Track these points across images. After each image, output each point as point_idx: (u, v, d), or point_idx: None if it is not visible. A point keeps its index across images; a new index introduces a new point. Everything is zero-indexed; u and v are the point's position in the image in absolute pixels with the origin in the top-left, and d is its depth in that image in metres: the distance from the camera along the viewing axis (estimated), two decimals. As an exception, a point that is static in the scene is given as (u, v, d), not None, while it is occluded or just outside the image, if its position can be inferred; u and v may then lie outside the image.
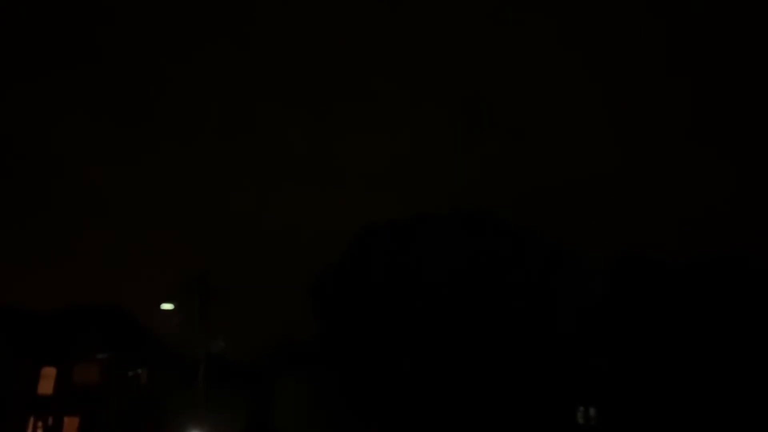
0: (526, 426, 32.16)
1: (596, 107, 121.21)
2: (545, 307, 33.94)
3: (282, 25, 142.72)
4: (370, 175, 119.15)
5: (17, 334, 39.79)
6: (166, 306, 27.59)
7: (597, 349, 33.79)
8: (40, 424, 38.06)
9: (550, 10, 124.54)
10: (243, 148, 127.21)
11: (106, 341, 38.57)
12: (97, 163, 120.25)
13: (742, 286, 33.17)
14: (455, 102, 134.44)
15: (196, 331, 28.01)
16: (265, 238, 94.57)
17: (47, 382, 38.52)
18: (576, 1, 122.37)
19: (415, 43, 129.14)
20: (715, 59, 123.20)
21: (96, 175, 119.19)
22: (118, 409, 36.87)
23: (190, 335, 28.80)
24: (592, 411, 34.21)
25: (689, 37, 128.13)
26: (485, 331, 33.31)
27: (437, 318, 33.71)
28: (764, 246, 35.95)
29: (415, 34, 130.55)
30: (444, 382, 32.77)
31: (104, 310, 41.68)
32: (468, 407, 32.36)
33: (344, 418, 33.75)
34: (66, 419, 37.64)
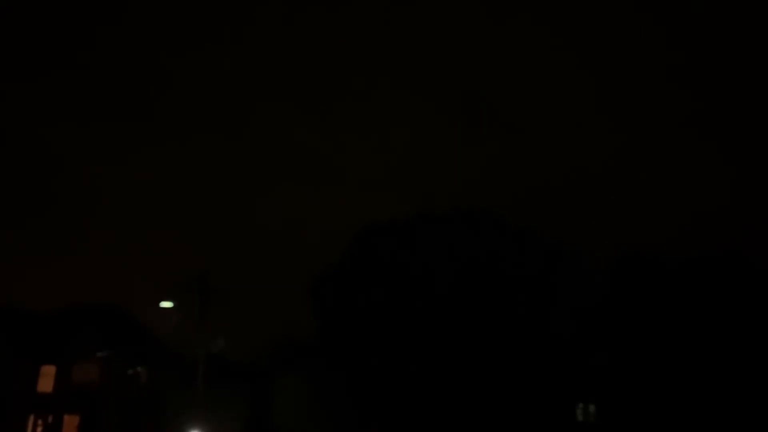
0: (527, 423, 32.23)
1: (596, 106, 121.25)
2: (545, 305, 33.98)
3: (282, 25, 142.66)
4: (370, 174, 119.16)
5: (17, 333, 39.84)
6: (166, 304, 27.58)
7: (597, 346, 33.85)
8: (40, 422, 38.12)
9: (549, 9, 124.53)
10: (243, 148, 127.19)
11: (105, 340, 38.63)
12: (96, 162, 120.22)
13: (741, 284, 33.22)
14: (455, 101, 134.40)
15: (196, 330, 27.94)
16: (265, 237, 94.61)
17: (47, 380, 38.59)
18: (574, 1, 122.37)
19: (415, 42, 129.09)
20: (714, 58, 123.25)
21: (95, 174, 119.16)
22: (118, 408, 36.93)
23: (189, 334, 28.78)
24: (591, 408, 34.33)
25: (688, 34, 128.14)
26: (485, 330, 33.34)
27: (437, 317, 33.73)
28: (762, 243, 36.04)
29: (415, 33, 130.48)
30: (444, 380, 32.79)
31: (104, 309, 41.74)
32: (468, 405, 32.39)
33: (344, 417, 33.79)
34: (66, 417, 37.72)
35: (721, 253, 34.92)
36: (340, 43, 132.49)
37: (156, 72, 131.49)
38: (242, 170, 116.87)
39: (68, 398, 37.75)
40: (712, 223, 72.09)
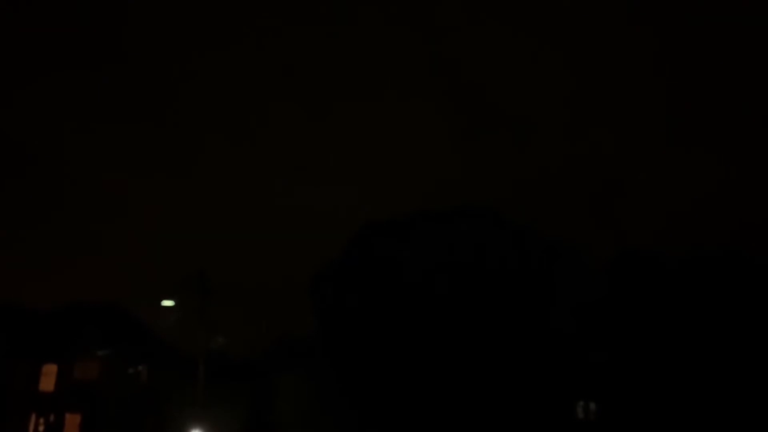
0: (527, 420, 32.29)
1: (596, 106, 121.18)
2: (545, 303, 34.04)
3: (281, 24, 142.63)
4: (369, 172, 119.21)
5: (18, 332, 39.94)
6: (167, 303, 27.65)
7: (596, 343, 33.89)
8: (41, 421, 38.18)
9: (546, 10, 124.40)
10: (243, 148, 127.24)
11: (106, 338, 38.68)
12: (98, 163, 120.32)
13: (741, 281, 33.24)
14: (454, 99, 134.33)
15: (197, 328, 28.04)
16: (265, 235, 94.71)
17: (48, 379, 38.65)
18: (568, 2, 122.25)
19: (414, 42, 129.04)
20: (704, 57, 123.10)
21: (96, 175, 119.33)
22: (119, 406, 36.99)
23: (190, 332, 28.86)
24: (592, 405, 34.35)
25: (677, 36, 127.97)
26: (485, 328, 33.41)
27: (437, 315, 33.79)
28: (762, 241, 36.05)
29: (414, 33, 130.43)
30: (444, 377, 32.87)
31: (105, 308, 41.81)
32: (468, 402, 32.47)
33: (344, 414, 33.85)
34: (67, 416, 37.75)
35: (721, 250, 34.94)
36: (340, 44, 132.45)
37: (162, 75, 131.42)
38: (242, 169, 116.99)
39: (69, 397, 37.79)
40: (711, 221, 72.15)
